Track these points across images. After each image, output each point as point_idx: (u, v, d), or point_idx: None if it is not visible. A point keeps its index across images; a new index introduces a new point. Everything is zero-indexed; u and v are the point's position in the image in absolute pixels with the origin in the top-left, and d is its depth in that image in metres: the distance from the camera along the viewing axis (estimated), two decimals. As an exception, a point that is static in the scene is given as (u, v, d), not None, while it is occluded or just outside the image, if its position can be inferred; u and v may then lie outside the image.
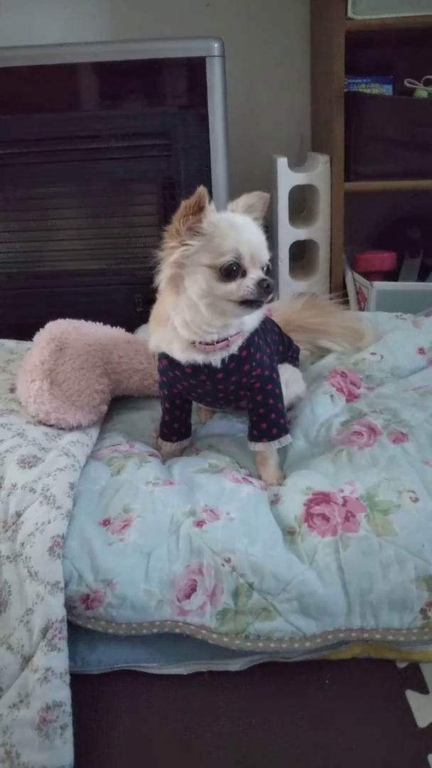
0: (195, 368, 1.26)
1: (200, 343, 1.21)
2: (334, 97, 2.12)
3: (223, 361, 1.24)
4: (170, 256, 1.14)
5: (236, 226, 1.15)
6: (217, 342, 1.21)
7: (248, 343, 1.27)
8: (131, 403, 1.63)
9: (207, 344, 1.21)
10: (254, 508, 1.20)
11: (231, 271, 1.12)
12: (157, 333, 1.27)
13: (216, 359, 1.23)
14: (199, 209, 1.10)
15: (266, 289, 1.12)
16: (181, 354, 1.23)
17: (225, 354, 1.23)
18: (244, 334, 1.25)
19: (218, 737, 1.04)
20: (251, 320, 1.23)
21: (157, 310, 1.28)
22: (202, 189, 1.09)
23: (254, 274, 1.13)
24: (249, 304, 1.13)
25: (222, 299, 1.14)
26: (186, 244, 1.12)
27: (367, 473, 1.23)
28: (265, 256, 1.15)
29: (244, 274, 1.13)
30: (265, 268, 1.16)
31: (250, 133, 2.53)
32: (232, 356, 1.25)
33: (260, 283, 1.12)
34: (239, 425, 1.51)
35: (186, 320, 1.19)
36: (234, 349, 1.24)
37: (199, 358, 1.22)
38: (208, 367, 1.25)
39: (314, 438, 1.41)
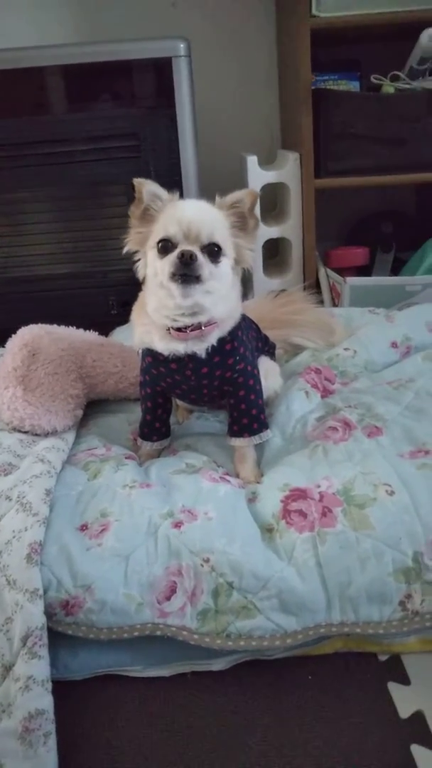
0: (180, 364, 1.25)
1: (174, 330, 1.21)
2: (301, 95, 2.13)
3: (207, 353, 1.24)
4: (128, 245, 1.22)
5: (177, 206, 1.18)
6: (189, 329, 1.20)
7: (232, 337, 1.27)
8: (107, 406, 1.62)
9: (179, 331, 1.21)
10: (232, 507, 1.20)
11: (166, 248, 1.14)
12: (139, 326, 1.28)
13: (199, 349, 1.23)
14: (139, 199, 1.18)
15: (183, 260, 1.11)
16: (160, 344, 1.23)
17: (204, 345, 1.23)
18: (220, 325, 1.24)
19: (203, 737, 1.04)
20: (220, 309, 1.21)
21: (139, 303, 1.29)
22: (135, 181, 1.18)
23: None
24: (175, 278, 1.12)
25: (162, 276, 1.14)
26: (138, 231, 1.20)
27: (343, 468, 1.24)
28: (204, 233, 1.14)
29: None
30: (208, 247, 1.15)
31: (220, 133, 2.53)
32: (216, 349, 1.24)
33: (181, 256, 1.12)
34: (217, 424, 1.51)
35: (153, 306, 1.21)
36: (212, 340, 1.23)
37: (180, 348, 1.22)
38: (192, 360, 1.24)
39: (290, 435, 1.42)
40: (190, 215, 1.16)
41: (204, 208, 1.20)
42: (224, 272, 1.18)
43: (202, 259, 1.13)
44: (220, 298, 1.19)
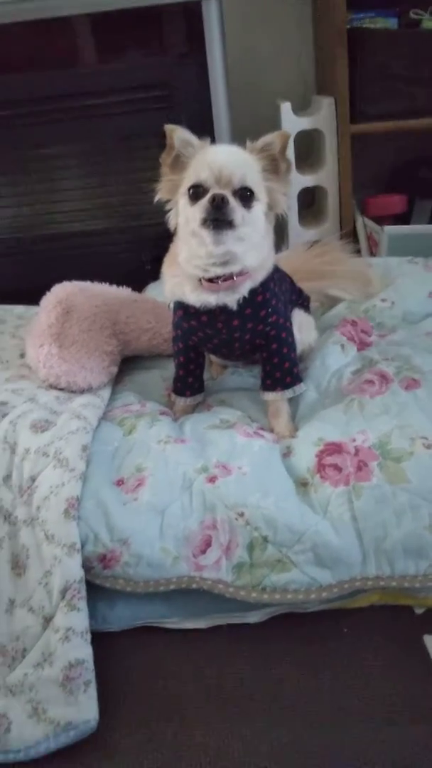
0: (211, 316, 1.24)
1: (206, 280, 1.19)
2: (336, 36, 2.04)
3: (239, 304, 1.22)
4: (159, 193, 1.21)
5: (208, 151, 1.16)
6: (221, 279, 1.19)
7: (264, 289, 1.25)
8: (141, 362, 1.62)
9: (211, 281, 1.19)
10: (266, 462, 1.20)
11: (197, 194, 1.12)
12: (170, 278, 1.27)
13: (231, 301, 1.21)
14: (170, 146, 1.16)
15: (215, 204, 1.09)
16: (192, 295, 1.22)
17: (236, 296, 1.21)
18: (252, 276, 1.22)
19: (239, 686, 1.06)
20: (253, 258, 1.19)
21: (170, 254, 1.28)
22: (166, 127, 1.16)
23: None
24: (207, 224, 1.11)
25: (193, 224, 1.12)
26: (169, 179, 1.18)
27: (379, 421, 1.22)
28: (236, 177, 1.12)
29: None
30: (240, 191, 1.12)
31: (252, 79, 2.45)
32: (248, 301, 1.23)
33: (212, 199, 1.09)
34: (251, 379, 1.50)
35: (185, 256, 1.19)
36: (243, 291, 1.22)
37: (212, 299, 1.21)
38: (224, 313, 1.23)
39: (325, 389, 1.40)
40: (222, 159, 1.13)
41: (235, 152, 1.17)
42: (257, 217, 1.16)
43: (234, 203, 1.11)
44: (252, 246, 1.17)
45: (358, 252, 2.11)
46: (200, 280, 1.20)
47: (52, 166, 2.25)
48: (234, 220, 1.11)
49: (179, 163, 1.18)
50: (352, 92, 2.09)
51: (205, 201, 1.10)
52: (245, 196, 1.13)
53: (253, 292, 1.23)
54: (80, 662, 1.02)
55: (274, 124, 2.25)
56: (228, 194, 1.10)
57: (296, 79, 2.55)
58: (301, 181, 2.24)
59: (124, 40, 2.07)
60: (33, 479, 1.17)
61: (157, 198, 1.22)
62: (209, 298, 1.21)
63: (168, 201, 1.22)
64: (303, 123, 2.19)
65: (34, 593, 1.08)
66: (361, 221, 2.26)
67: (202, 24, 1.98)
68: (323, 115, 2.16)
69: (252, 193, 1.14)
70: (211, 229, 1.11)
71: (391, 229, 2.09)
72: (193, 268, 1.19)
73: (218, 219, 1.10)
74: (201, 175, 1.12)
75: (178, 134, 1.17)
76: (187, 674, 1.08)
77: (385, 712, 0.99)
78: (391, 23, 2.22)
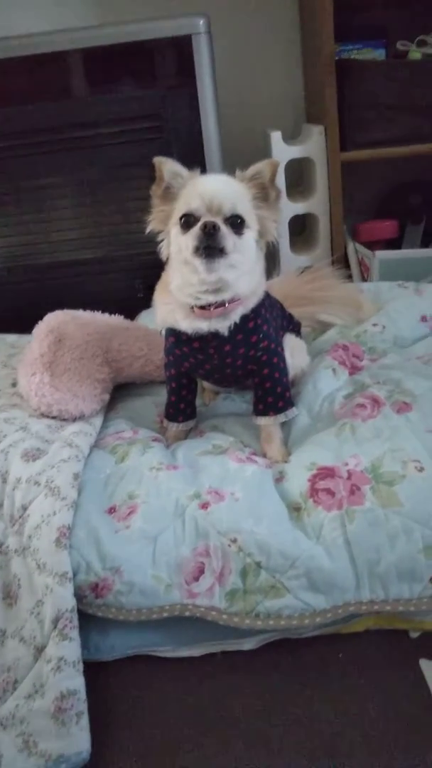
0: (203, 342, 1.25)
1: (198, 307, 1.20)
2: (325, 66, 2.08)
3: (230, 330, 1.23)
4: (151, 224, 1.22)
5: (198, 180, 1.18)
6: (213, 307, 1.20)
7: (255, 315, 1.26)
8: (133, 389, 1.62)
9: (203, 308, 1.20)
10: (259, 487, 1.19)
11: (189, 223, 1.13)
12: (162, 306, 1.28)
13: (222, 327, 1.22)
14: (159, 178, 1.18)
15: (207, 231, 1.10)
16: (184, 322, 1.23)
17: (228, 322, 1.22)
18: (244, 302, 1.23)
19: (234, 716, 1.04)
20: (244, 285, 1.20)
21: (162, 282, 1.29)
22: (155, 159, 1.18)
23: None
24: (199, 252, 1.12)
25: (187, 254, 1.13)
26: (161, 210, 1.20)
27: (371, 445, 1.22)
28: (226, 205, 1.13)
29: None
30: (231, 219, 1.13)
31: (243, 109, 2.49)
32: (239, 327, 1.24)
33: (204, 227, 1.11)
34: (243, 405, 1.50)
35: (177, 284, 1.20)
36: (235, 317, 1.23)
37: (203, 326, 1.22)
38: (215, 338, 1.24)
39: (317, 413, 1.40)
40: (212, 188, 1.15)
41: (225, 181, 1.19)
42: (248, 245, 1.17)
43: (225, 230, 1.12)
44: (244, 273, 1.18)
45: (349, 277, 2.12)
46: (192, 307, 1.21)
47: (45, 196, 2.27)
48: (225, 247, 1.12)
49: (169, 194, 1.19)
50: (341, 121, 2.12)
51: (196, 229, 1.12)
52: (236, 223, 1.14)
53: (244, 318, 1.24)
54: (72, 693, 1.00)
55: (265, 152, 2.28)
56: (219, 222, 1.12)
57: (286, 108, 2.59)
58: (292, 208, 2.26)
59: (116, 72, 2.11)
60: (24, 508, 1.17)
61: (149, 229, 1.23)
62: (201, 325, 1.22)
63: (160, 231, 1.23)
64: (293, 151, 2.22)
65: (26, 623, 1.07)
66: (352, 247, 2.27)
67: (192, 57, 2.02)
68: (313, 144, 2.19)
69: (242, 220, 1.15)
70: (204, 257, 1.12)
71: (382, 254, 2.11)
72: (185, 296, 1.20)
73: (210, 246, 1.11)
74: (192, 204, 1.14)
75: (167, 166, 1.18)
76: (181, 703, 1.07)
77: (382, 739, 0.98)
78: (379, 54, 2.26)
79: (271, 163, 1.20)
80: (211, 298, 1.19)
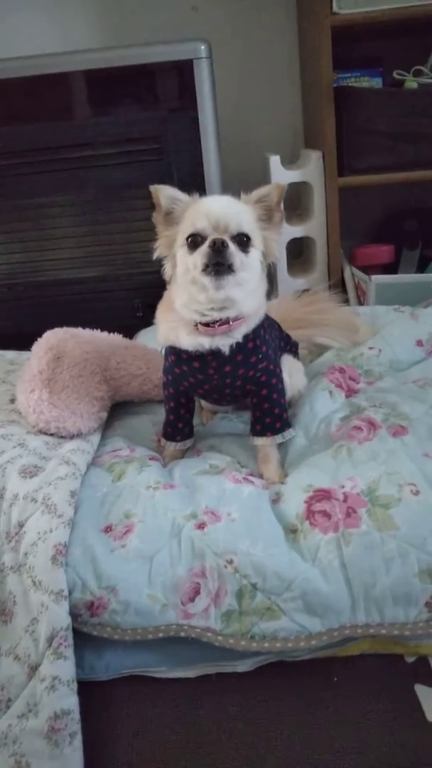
0: (203, 362, 1.26)
1: (202, 324, 1.21)
2: (323, 93, 2.12)
3: (231, 349, 1.24)
4: (157, 250, 1.24)
5: (203, 201, 1.20)
6: (218, 324, 1.21)
7: (255, 335, 1.27)
8: (131, 408, 1.63)
9: (208, 326, 1.21)
10: (255, 508, 1.20)
11: (196, 242, 1.15)
12: (164, 323, 1.29)
13: (224, 345, 1.23)
14: (158, 205, 1.21)
15: (215, 248, 1.12)
16: (187, 339, 1.24)
17: (230, 341, 1.23)
18: (247, 321, 1.24)
19: (228, 739, 1.04)
20: (249, 304, 1.22)
21: (165, 300, 1.30)
22: (151, 188, 1.20)
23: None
24: (208, 270, 1.13)
25: (195, 272, 1.15)
26: (165, 236, 1.22)
27: (368, 468, 1.23)
28: (232, 223, 1.15)
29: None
30: (237, 237, 1.15)
31: (243, 133, 2.54)
32: (239, 347, 1.25)
33: (213, 244, 1.12)
34: (240, 425, 1.51)
35: (183, 301, 1.21)
36: (238, 336, 1.24)
37: (206, 343, 1.23)
38: (216, 359, 1.25)
39: (314, 435, 1.41)
40: (218, 208, 1.17)
41: (230, 201, 1.21)
42: (254, 263, 1.19)
43: (233, 247, 1.14)
44: (250, 292, 1.20)
45: (346, 301, 2.14)
46: (196, 324, 1.22)
47: (46, 215, 2.29)
48: (233, 264, 1.13)
49: (171, 219, 1.21)
50: (339, 146, 2.16)
51: (205, 246, 1.13)
52: (242, 241, 1.16)
53: (245, 338, 1.25)
54: (66, 713, 1.00)
55: (264, 176, 2.31)
56: (227, 239, 1.14)
57: (285, 133, 2.64)
58: (290, 231, 2.29)
59: (119, 95, 2.15)
60: (21, 525, 1.17)
61: (155, 255, 1.25)
62: (204, 342, 1.23)
63: (166, 256, 1.25)
64: (292, 176, 2.25)
65: (21, 641, 1.06)
66: (349, 271, 2.30)
67: (193, 81, 2.06)
68: (311, 168, 2.22)
69: (249, 238, 1.17)
70: (213, 275, 1.13)
71: (378, 279, 2.13)
72: (191, 312, 1.21)
73: (219, 263, 1.12)
74: (198, 224, 1.15)
75: (164, 193, 1.20)
76: (175, 725, 1.06)
77: (377, 764, 0.97)
78: (376, 82, 2.31)
79: (278, 187, 1.23)
80: (216, 315, 1.20)
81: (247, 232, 1.17)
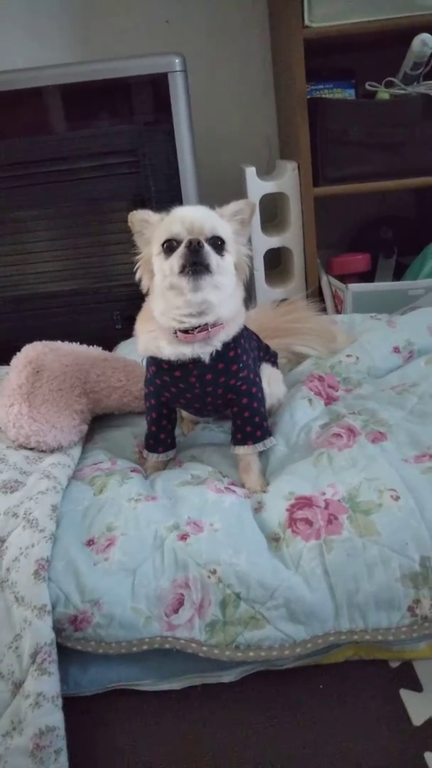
0: (184, 371, 1.26)
1: (181, 332, 1.22)
2: (297, 105, 2.15)
3: (211, 357, 1.25)
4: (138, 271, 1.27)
5: (176, 210, 1.22)
6: (197, 330, 1.22)
7: (235, 344, 1.28)
8: (112, 420, 1.63)
9: (186, 333, 1.22)
10: (238, 518, 1.20)
11: (171, 247, 1.17)
12: (144, 334, 1.29)
13: (204, 353, 1.24)
14: (134, 231, 1.25)
15: (192, 248, 1.13)
16: (167, 348, 1.24)
17: (210, 348, 1.24)
18: (226, 328, 1.25)
19: (215, 750, 1.03)
20: (226, 309, 1.23)
21: (144, 311, 1.31)
22: (129, 215, 1.24)
23: None
24: (185, 271, 1.14)
25: (172, 276, 1.16)
26: (141, 256, 1.26)
27: (348, 474, 1.24)
28: (207, 226, 1.17)
29: None
30: (212, 240, 1.17)
31: (218, 145, 2.55)
32: (219, 355, 1.25)
33: (189, 244, 1.14)
34: (221, 435, 1.51)
35: (161, 309, 1.22)
36: (217, 343, 1.25)
37: (187, 351, 1.23)
38: (196, 367, 1.25)
39: (294, 443, 1.41)
40: (192, 213, 1.20)
41: (203, 209, 1.23)
42: (229, 266, 1.21)
43: (209, 248, 1.15)
44: (226, 297, 1.22)
45: (323, 310, 2.16)
46: (176, 332, 1.23)
47: (23, 229, 2.29)
48: (210, 265, 1.15)
49: (145, 240, 1.25)
50: (314, 157, 2.19)
51: (181, 248, 1.15)
52: (217, 244, 1.18)
53: (225, 346, 1.26)
54: (51, 729, 0.99)
55: (240, 187, 2.33)
56: (202, 240, 1.15)
57: (260, 144, 2.66)
58: (267, 242, 2.31)
59: (94, 109, 2.16)
60: (2, 541, 1.16)
61: (138, 276, 1.28)
62: (185, 350, 1.23)
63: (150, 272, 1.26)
64: (267, 187, 2.27)
65: (4, 658, 1.05)
66: (326, 280, 2.32)
67: (168, 94, 2.07)
68: (287, 179, 2.24)
69: (223, 242, 1.19)
70: (190, 275, 1.14)
71: (355, 287, 2.15)
72: (169, 320, 1.22)
73: (196, 263, 1.14)
74: (173, 229, 1.17)
75: (137, 217, 1.24)
76: (161, 738, 1.06)
77: (363, 771, 0.98)
78: (349, 93, 2.34)
79: (250, 203, 1.26)
80: (195, 322, 1.21)
81: (222, 236, 1.19)
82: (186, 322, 1.21)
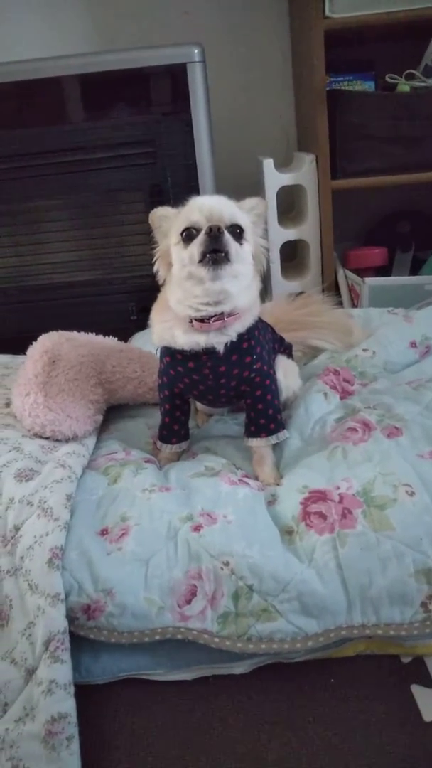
0: (198, 362, 1.26)
1: (197, 320, 1.22)
2: (316, 97, 2.13)
3: (226, 348, 1.24)
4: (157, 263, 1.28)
5: (194, 199, 1.22)
6: (212, 319, 1.21)
7: (249, 336, 1.28)
8: (127, 411, 1.63)
9: (202, 322, 1.22)
10: (251, 510, 1.20)
11: (191, 235, 1.16)
12: (159, 323, 1.29)
13: (219, 343, 1.24)
14: (155, 228, 1.26)
15: (212, 234, 1.13)
16: (182, 337, 1.24)
17: (225, 338, 1.24)
18: (241, 318, 1.25)
19: (225, 741, 1.04)
20: (243, 299, 1.23)
21: (159, 301, 1.31)
22: (150, 214, 1.25)
23: None
24: (205, 260, 1.14)
25: (191, 265, 1.16)
26: (159, 249, 1.27)
27: (363, 469, 1.23)
28: (226, 214, 1.17)
29: None
30: (231, 228, 1.17)
31: (236, 137, 2.54)
32: (234, 346, 1.25)
33: (209, 230, 1.13)
34: (235, 427, 1.51)
35: (177, 297, 1.22)
36: (232, 334, 1.24)
37: (201, 340, 1.23)
38: (211, 358, 1.25)
39: (309, 436, 1.41)
40: (210, 201, 1.20)
41: (222, 197, 1.23)
42: (248, 255, 1.21)
43: (228, 235, 1.15)
44: (244, 287, 1.22)
45: (339, 304, 2.14)
46: (191, 321, 1.22)
47: (39, 219, 2.29)
48: (230, 253, 1.14)
49: (163, 234, 1.25)
50: (332, 150, 2.17)
51: (201, 235, 1.14)
52: (236, 232, 1.17)
53: (239, 337, 1.26)
54: (63, 716, 1.00)
55: (257, 179, 2.32)
56: (222, 227, 1.15)
57: (278, 136, 2.64)
58: (283, 234, 2.30)
59: (113, 99, 2.15)
60: (17, 529, 1.16)
61: (155, 269, 1.29)
62: (199, 339, 1.23)
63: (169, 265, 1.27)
64: (285, 179, 2.26)
65: (18, 645, 1.06)
66: (342, 273, 2.31)
67: (187, 85, 2.06)
68: (305, 172, 2.23)
69: (242, 230, 1.19)
70: (210, 264, 1.14)
71: (372, 281, 2.14)
72: (186, 308, 1.22)
73: (216, 250, 1.13)
74: (192, 217, 1.17)
75: (157, 215, 1.25)
76: (172, 727, 1.06)
77: (375, 765, 0.98)
78: (369, 86, 2.32)
79: (262, 202, 1.27)
80: (211, 310, 1.20)
81: (241, 224, 1.19)
82: (202, 310, 1.20)
